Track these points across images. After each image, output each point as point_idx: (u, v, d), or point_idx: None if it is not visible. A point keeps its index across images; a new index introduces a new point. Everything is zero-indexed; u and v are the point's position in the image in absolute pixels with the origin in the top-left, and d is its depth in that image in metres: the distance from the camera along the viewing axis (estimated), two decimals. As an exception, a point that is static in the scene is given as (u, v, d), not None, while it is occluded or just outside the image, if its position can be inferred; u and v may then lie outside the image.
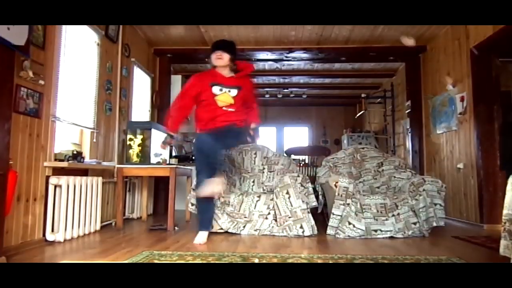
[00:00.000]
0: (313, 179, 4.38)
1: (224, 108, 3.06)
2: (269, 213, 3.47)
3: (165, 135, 3.27)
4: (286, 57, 5.59)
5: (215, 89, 3.06)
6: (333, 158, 4.39)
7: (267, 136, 9.96)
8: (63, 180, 2.96)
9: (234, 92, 3.10)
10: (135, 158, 4.04)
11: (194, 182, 3.30)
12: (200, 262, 2.29)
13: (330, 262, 2.34)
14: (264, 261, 2.34)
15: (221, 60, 3.06)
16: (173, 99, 3.22)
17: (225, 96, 3.07)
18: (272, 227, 3.45)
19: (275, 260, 2.37)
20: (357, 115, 8.29)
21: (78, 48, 3.52)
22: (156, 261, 2.30)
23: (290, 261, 2.35)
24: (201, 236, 3.03)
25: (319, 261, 2.37)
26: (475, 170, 4.10)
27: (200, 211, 3.22)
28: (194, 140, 3.25)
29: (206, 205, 3.15)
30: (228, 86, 3.09)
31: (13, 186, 2.42)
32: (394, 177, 4.06)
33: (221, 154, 3.14)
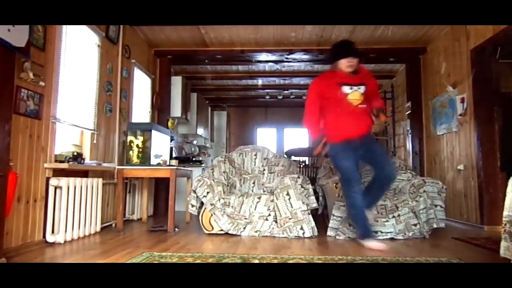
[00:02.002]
0: (313, 181, 4.38)
1: (359, 106, 3.02)
2: (269, 215, 3.46)
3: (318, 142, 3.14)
4: (287, 58, 5.59)
5: (345, 89, 3.01)
6: (333, 159, 4.38)
7: (267, 138, 9.96)
8: (63, 181, 2.97)
9: (362, 89, 3.06)
10: (135, 159, 4.04)
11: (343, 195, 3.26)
12: (200, 262, 2.29)
13: (331, 263, 2.34)
14: (264, 262, 2.33)
15: (353, 66, 3.01)
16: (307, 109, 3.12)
17: (355, 94, 3.02)
18: (273, 228, 3.44)
19: (275, 262, 2.36)
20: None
21: (78, 50, 3.52)
22: (156, 263, 2.29)
23: (290, 262, 2.35)
24: (373, 243, 2.92)
25: (319, 262, 2.36)
26: (476, 172, 4.10)
27: (355, 219, 3.13)
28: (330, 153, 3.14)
29: (360, 212, 3.05)
30: (356, 84, 3.05)
31: (13, 188, 2.42)
32: (395, 178, 4.05)
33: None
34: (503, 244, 2.08)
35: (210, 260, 2.38)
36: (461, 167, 4.36)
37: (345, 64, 3.00)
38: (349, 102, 2.99)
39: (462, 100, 4.33)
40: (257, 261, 2.36)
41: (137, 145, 4.06)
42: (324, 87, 3.06)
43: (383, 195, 3.24)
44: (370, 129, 3.12)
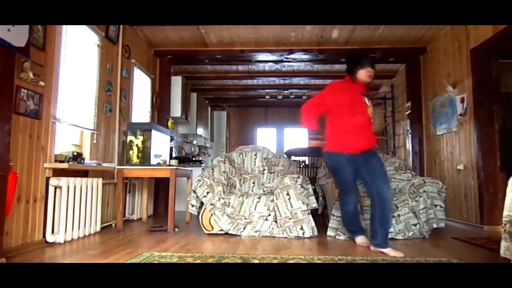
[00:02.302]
0: (313, 181, 4.38)
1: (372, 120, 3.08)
2: (269, 215, 3.46)
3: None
4: (286, 58, 5.59)
5: (367, 101, 3.02)
6: (333, 159, 4.38)
7: (267, 138, 9.96)
8: (63, 181, 2.97)
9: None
10: (135, 159, 4.04)
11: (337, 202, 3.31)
12: (200, 262, 2.29)
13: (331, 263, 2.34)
14: (264, 262, 2.33)
15: (371, 76, 3.00)
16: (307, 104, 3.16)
17: (370, 109, 3.06)
18: (272, 228, 3.44)
19: (275, 262, 2.36)
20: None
21: (78, 50, 3.52)
22: (156, 263, 2.29)
23: (290, 262, 2.35)
24: (359, 239, 3.07)
25: (319, 262, 2.36)
26: (475, 172, 4.10)
27: (343, 221, 3.23)
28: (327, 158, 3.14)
29: (353, 216, 3.10)
30: (370, 98, 3.10)
31: (13, 187, 2.42)
32: (394, 178, 4.05)
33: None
34: (503, 244, 2.09)
35: (210, 260, 2.38)
36: (461, 167, 4.37)
37: (365, 75, 2.99)
38: (369, 114, 3.01)
39: (462, 100, 4.33)
40: (257, 261, 2.36)
41: (137, 145, 4.06)
42: (346, 93, 3.00)
43: (388, 219, 2.83)
44: (375, 143, 3.12)
